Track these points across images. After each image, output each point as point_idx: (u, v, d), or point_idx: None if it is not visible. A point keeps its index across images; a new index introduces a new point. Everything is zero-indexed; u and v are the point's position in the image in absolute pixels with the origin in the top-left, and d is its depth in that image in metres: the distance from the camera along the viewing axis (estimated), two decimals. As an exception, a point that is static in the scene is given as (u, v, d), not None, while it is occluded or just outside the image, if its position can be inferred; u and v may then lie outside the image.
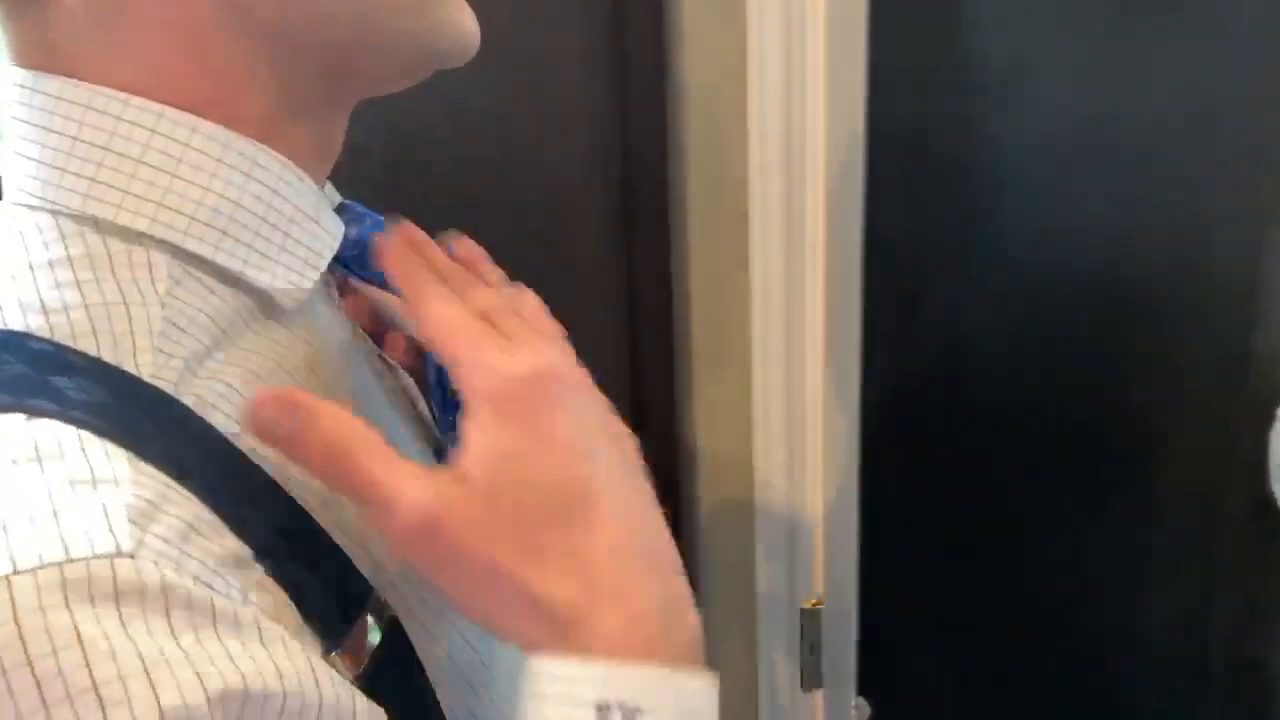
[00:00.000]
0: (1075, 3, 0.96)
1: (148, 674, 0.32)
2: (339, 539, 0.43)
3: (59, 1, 0.43)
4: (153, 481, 0.37)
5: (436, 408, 0.58)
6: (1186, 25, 0.88)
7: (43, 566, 0.32)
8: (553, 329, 0.52)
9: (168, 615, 0.34)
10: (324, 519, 0.43)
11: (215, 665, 0.34)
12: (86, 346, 0.40)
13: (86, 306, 0.41)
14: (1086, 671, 1.06)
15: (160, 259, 0.43)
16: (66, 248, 0.42)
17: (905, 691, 1.30)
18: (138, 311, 0.42)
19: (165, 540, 0.35)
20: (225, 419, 0.42)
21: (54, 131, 0.43)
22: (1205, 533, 0.94)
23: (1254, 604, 0.93)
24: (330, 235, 0.49)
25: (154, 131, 0.43)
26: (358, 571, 0.44)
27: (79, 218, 0.43)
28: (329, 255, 0.49)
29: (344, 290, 0.55)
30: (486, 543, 0.40)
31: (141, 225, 0.43)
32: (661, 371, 1.33)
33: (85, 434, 0.37)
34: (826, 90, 1.17)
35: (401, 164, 1.16)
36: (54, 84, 0.43)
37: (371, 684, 0.41)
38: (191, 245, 0.44)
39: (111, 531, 0.34)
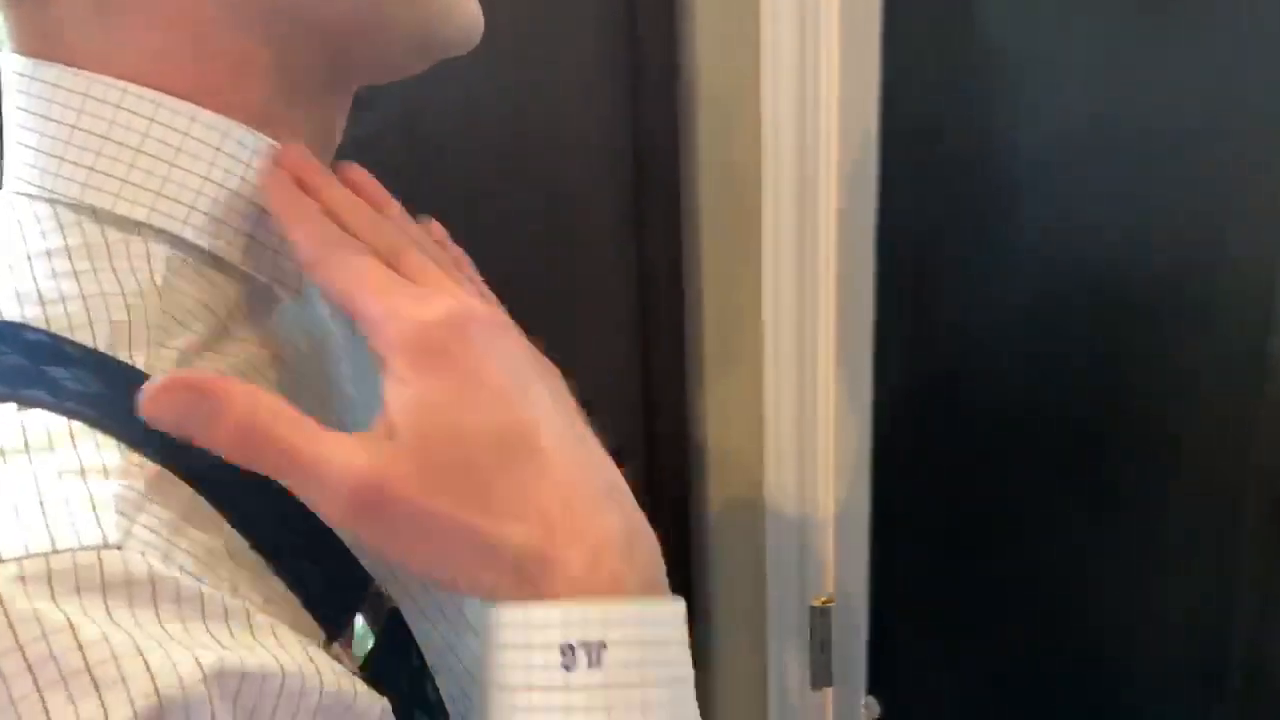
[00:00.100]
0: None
1: (142, 655, 0.32)
2: (337, 530, 0.43)
3: None
4: (144, 472, 0.37)
5: None
6: (1205, 22, 0.87)
7: (28, 556, 0.32)
8: (464, 265, 0.49)
9: (155, 606, 0.34)
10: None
11: (208, 648, 0.34)
12: (83, 338, 0.40)
13: (84, 297, 0.41)
14: (1098, 673, 1.06)
15: (158, 249, 0.43)
16: (64, 237, 0.42)
17: (915, 690, 1.30)
18: (135, 302, 0.41)
19: (154, 532, 0.35)
20: None
21: (52, 120, 0.43)
22: (1220, 535, 0.93)
23: (1270, 607, 0.93)
24: None
25: (153, 120, 0.43)
26: (357, 562, 0.43)
27: (77, 207, 0.43)
28: None
29: None
30: (429, 497, 0.38)
31: (140, 215, 0.43)
32: (672, 370, 1.32)
33: (76, 424, 0.37)
34: (840, 89, 1.17)
35: (412, 163, 1.16)
36: (52, 72, 0.43)
37: (373, 673, 0.41)
38: (190, 235, 0.44)
39: (99, 523, 0.34)
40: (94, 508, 0.34)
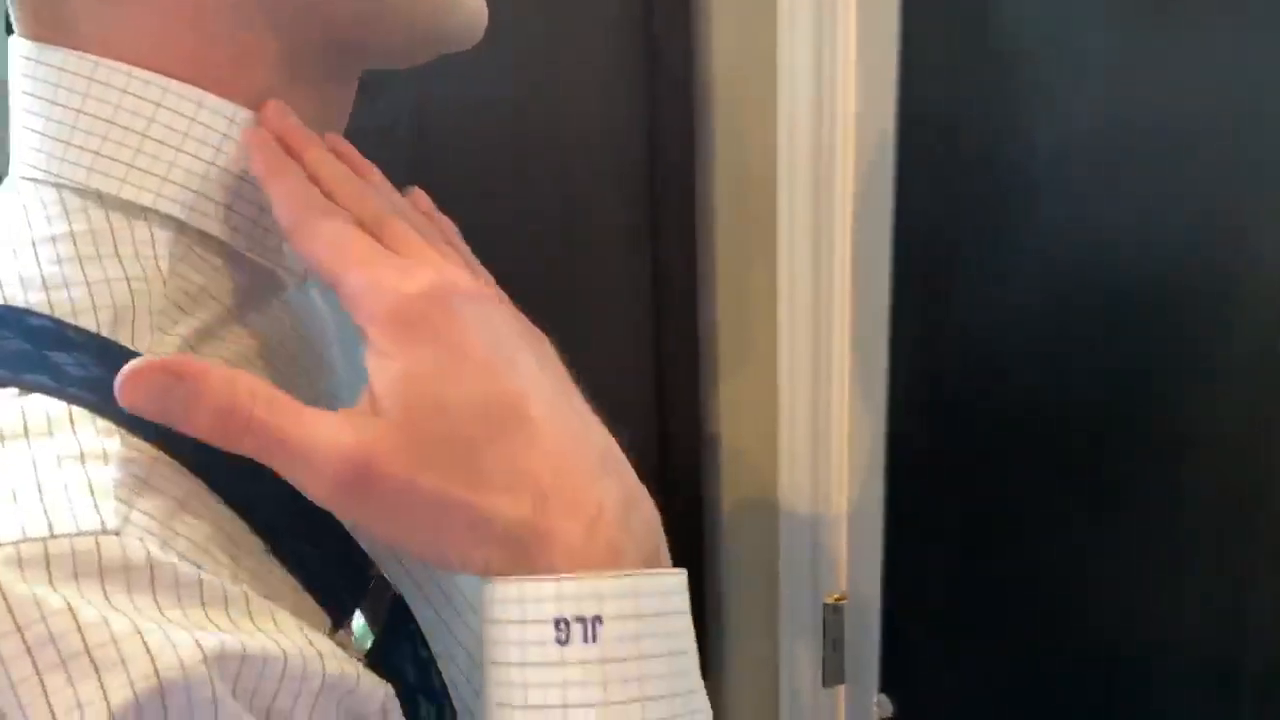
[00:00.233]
0: (1111, -7, 0.94)
1: (141, 637, 0.32)
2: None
3: None
4: (143, 457, 0.36)
5: None
6: (1223, 20, 0.86)
7: (25, 540, 0.32)
8: (452, 236, 0.49)
9: (154, 592, 0.33)
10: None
11: (208, 632, 0.34)
12: (86, 323, 0.40)
13: (87, 283, 0.41)
14: (1111, 673, 1.05)
15: (163, 235, 0.43)
16: (69, 222, 0.42)
17: (927, 689, 1.29)
18: (139, 288, 0.41)
19: (152, 518, 0.35)
20: None
21: (58, 104, 0.43)
22: (1239, 536, 0.93)
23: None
24: None
25: (159, 105, 0.43)
26: (359, 549, 0.43)
27: (83, 191, 0.43)
28: None
29: None
30: (416, 473, 0.37)
31: (146, 200, 0.43)
32: (686, 367, 1.32)
33: (77, 410, 0.36)
34: (856, 88, 1.16)
35: (424, 163, 1.15)
36: (58, 56, 0.43)
37: (377, 660, 0.41)
38: (195, 221, 0.43)
39: (97, 509, 0.34)
40: (92, 493, 0.34)
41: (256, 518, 0.39)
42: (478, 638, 0.49)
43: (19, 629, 0.31)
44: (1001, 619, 1.16)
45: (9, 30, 0.46)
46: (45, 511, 0.33)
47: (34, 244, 0.41)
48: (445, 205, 0.51)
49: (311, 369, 0.48)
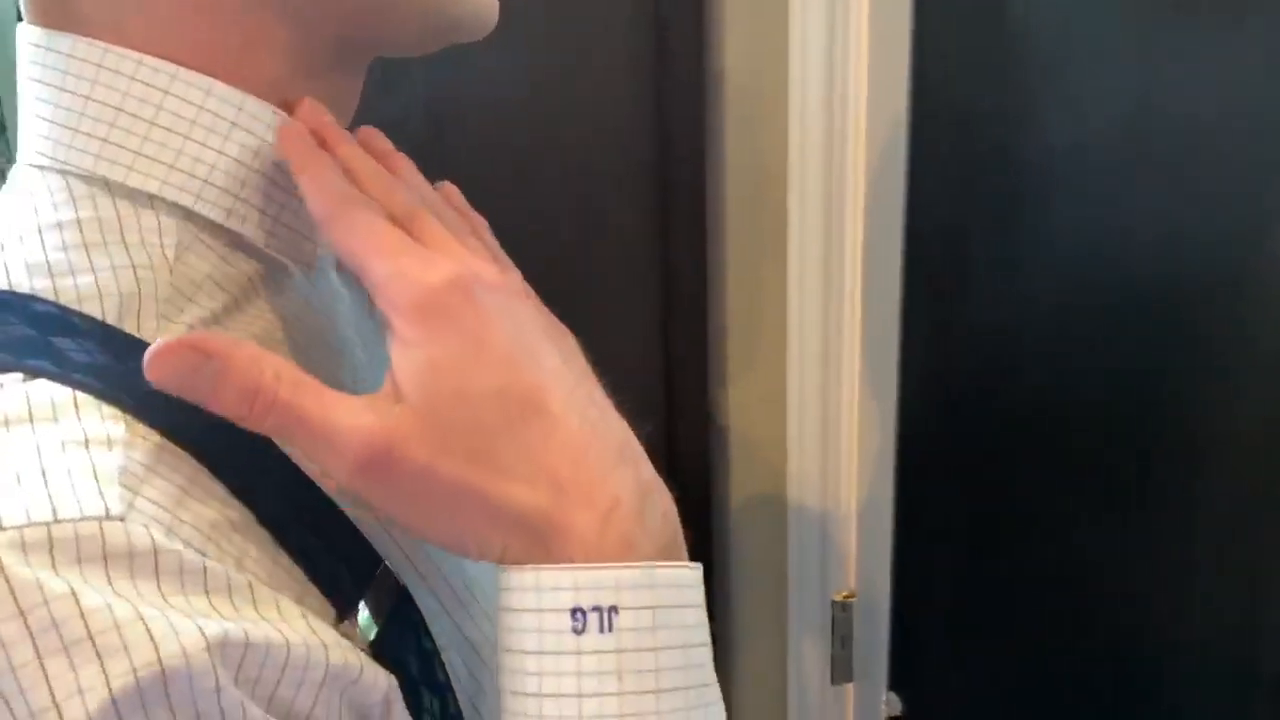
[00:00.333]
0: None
1: (144, 623, 0.32)
2: (346, 508, 0.43)
3: None
4: (148, 444, 0.36)
5: None
6: (1241, 14, 0.86)
7: (30, 525, 0.32)
8: (481, 231, 0.49)
9: (157, 578, 0.33)
10: (331, 487, 0.43)
11: (211, 619, 0.33)
12: (91, 310, 0.40)
13: (94, 270, 0.41)
14: (1122, 672, 1.04)
15: (170, 223, 0.43)
16: (76, 210, 0.42)
17: (936, 687, 1.29)
18: (145, 276, 0.41)
19: (157, 504, 0.35)
20: None
21: (67, 91, 0.43)
22: (1252, 536, 0.92)
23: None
24: None
25: (167, 92, 0.43)
26: (365, 541, 0.43)
27: (90, 179, 0.43)
28: None
29: None
30: (435, 459, 0.38)
31: (152, 188, 0.43)
32: (696, 364, 1.32)
33: (82, 395, 0.36)
34: (869, 80, 1.16)
35: (435, 160, 1.15)
36: (66, 42, 0.43)
37: (381, 652, 0.41)
38: (202, 209, 0.43)
39: (101, 494, 0.33)
40: (97, 479, 0.34)
41: (262, 507, 0.39)
42: (482, 630, 0.49)
43: (21, 613, 0.31)
44: (1010, 618, 1.16)
45: (18, 17, 0.46)
46: (49, 496, 0.33)
47: (40, 230, 0.41)
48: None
49: (320, 359, 0.48)
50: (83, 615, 0.31)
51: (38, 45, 0.44)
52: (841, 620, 1.32)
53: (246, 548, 0.37)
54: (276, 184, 0.45)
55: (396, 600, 0.44)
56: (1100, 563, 1.04)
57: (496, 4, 0.50)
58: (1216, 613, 0.95)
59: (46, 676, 0.31)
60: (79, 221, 0.42)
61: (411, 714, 0.41)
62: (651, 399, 1.31)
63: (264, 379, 0.37)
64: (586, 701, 0.37)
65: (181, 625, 0.32)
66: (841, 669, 1.34)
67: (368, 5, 0.46)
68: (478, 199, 0.53)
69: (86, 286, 0.40)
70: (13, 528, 0.32)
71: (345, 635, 0.39)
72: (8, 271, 0.40)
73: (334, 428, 0.37)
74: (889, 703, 1.31)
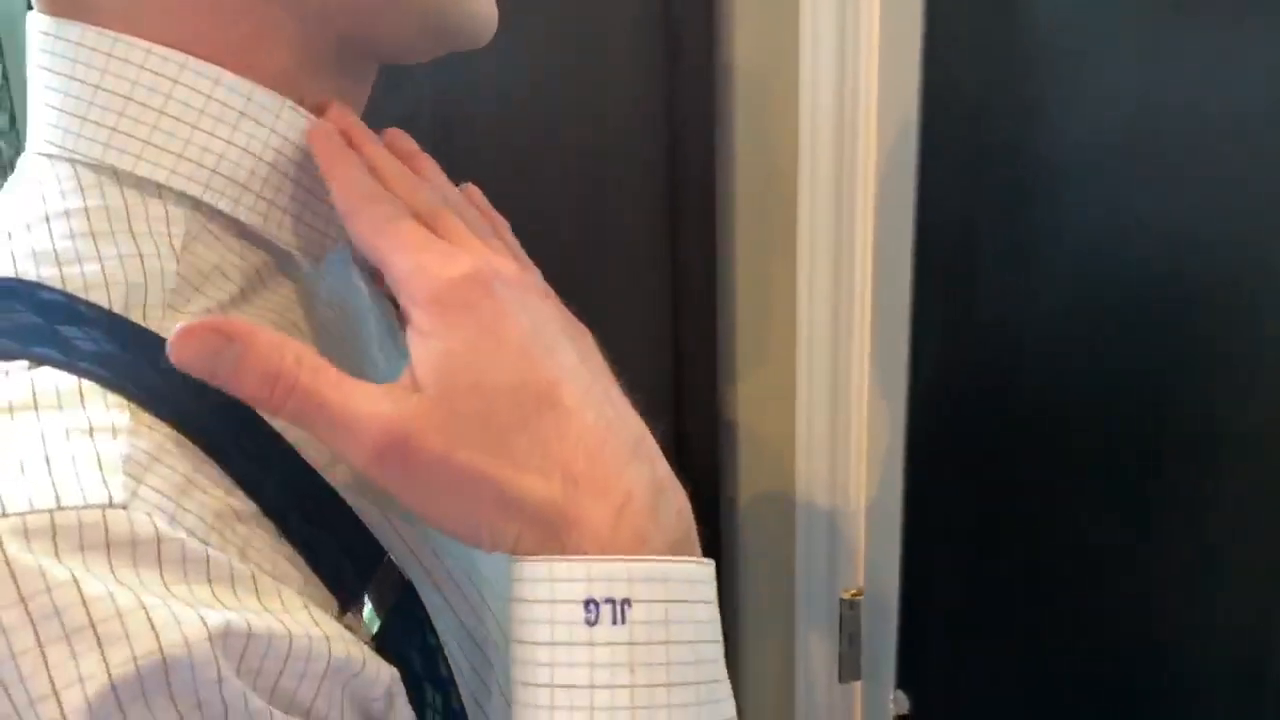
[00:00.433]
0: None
1: (146, 612, 0.32)
2: (352, 500, 0.43)
3: None
4: (153, 433, 0.36)
5: None
6: (1255, 10, 0.85)
7: (32, 511, 0.32)
8: (503, 231, 0.50)
9: (160, 567, 0.33)
10: (336, 480, 0.43)
11: (213, 609, 0.33)
12: (98, 298, 0.40)
13: (100, 259, 0.41)
14: (1130, 673, 1.04)
15: (178, 213, 0.43)
16: (84, 198, 0.42)
17: (944, 685, 1.28)
18: (152, 265, 0.41)
19: (160, 493, 0.35)
20: None
21: (76, 80, 0.43)
22: (1265, 536, 0.92)
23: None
24: None
25: (176, 82, 0.43)
26: (370, 533, 0.43)
27: (98, 168, 0.43)
28: None
29: None
30: (453, 449, 0.38)
31: (161, 177, 0.43)
32: (705, 360, 1.32)
33: (87, 383, 0.36)
34: (879, 76, 1.15)
35: (443, 156, 1.15)
36: (76, 31, 0.43)
37: (385, 645, 0.41)
38: (210, 199, 0.43)
39: (105, 482, 0.33)
40: (101, 467, 0.34)
41: (266, 498, 0.39)
42: (486, 626, 0.49)
43: (23, 600, 0.31)
44: (1019, 617, 1.15)
45: (28, 6, 0.46)
46: (53, 483, 0.33)
47: (48, 219, 0.41)
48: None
49: (327, 350, 0.48)
50: (84, 603, 0.31)
51: (47, 34, 0.44)
52: (849, 618, 1.32)
53: (250, 538, 0.37)
54: (285, 174, 0.45)
55: (400, 594, 0.43)
56: (1110, 562, 1.03)
57: (495, 14, 0.50)
58: (1227, 613, 0.95)
59: (47, 664, 0.31)
60: (87, 210, 0.42)
61: (414, 709, 0.41)
62: (661, 395, 1.30)
63: (285, 364, 0.38)
64: (598, 693, 0.37)
65: (184, 614, 0.32)
66: (849, 667, 1.34)
67: (368, 4, 0.46)
68: (487, 196, 0.53)
69: (93, 275, 0.40)
70: (15, 514, 0.32)
71: (348, 628, 0.39)
72: (15, 259, 0.40)
73: (352, 414, 0.38)
74: (896, 701, 1.31)
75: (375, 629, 0.41)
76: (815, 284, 1.24)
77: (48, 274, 0.40)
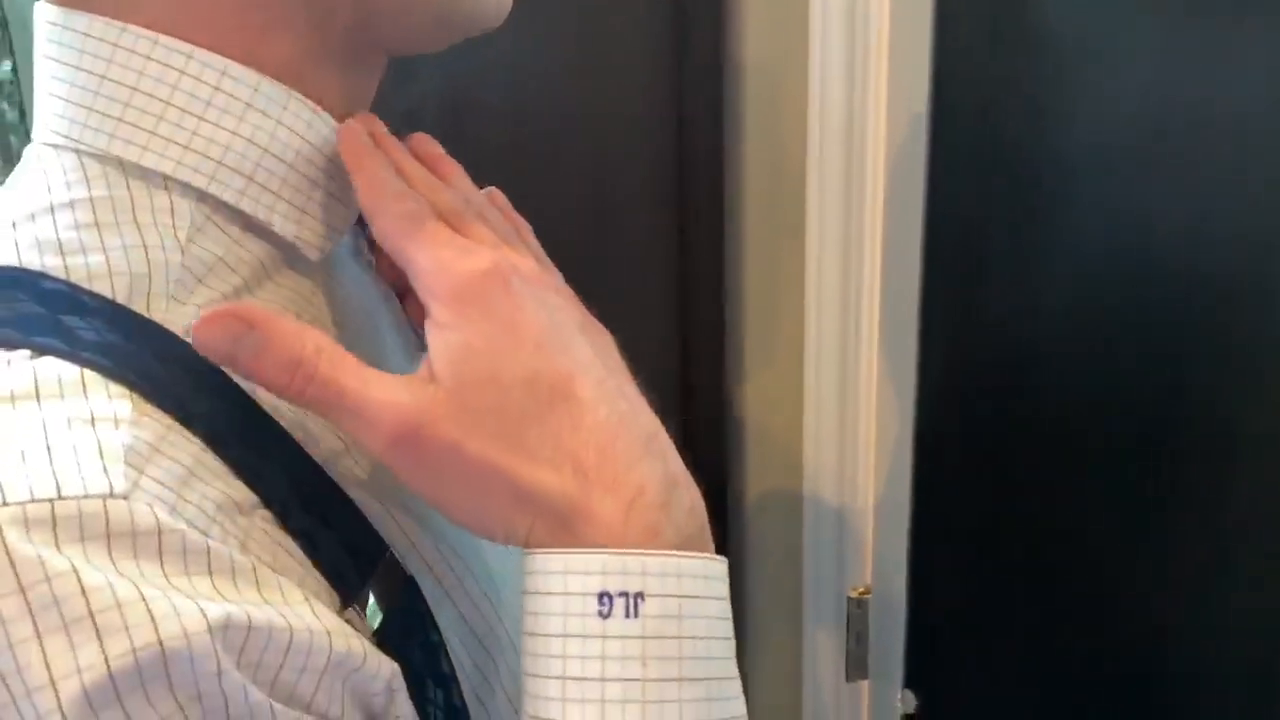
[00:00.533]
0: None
1: (146, 603, 0.32)
2: (354, 494, 0.43)
3: None
4: (155, 424, 0.36)
5: None
6: (1270, 9, 0.85)
7: (33, 501, 0.32)
8: (525, 233, 0.50)
9: (161, 558, 0.33)
10: (338, 474, 0.42)
11: (214, 601, 0.33)
12: (101, 288, 0.40)
13: (105, 249, 0.40)
14: (1139, 672, 1.03)
15: (183, 204, 0.43)
16: (89, 189, 0.42)
17: (952, 685, 1.28)
18: (156, 256, 0.41)
19: (162, 483, 0.35)
20: None
21: (82, 70, 0.43)
22: (1273, 536, 0.91)
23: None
24: None
25: (183, 72, 0.43)
26: (372, 527, 0.43)
27: (103, 158, 0.42)
28: (358, 208, 0.48)
29: (375, 246, 0.54)
30: (466, 439, 0.39)
31: (166, 168, 0.42)
32: (713, 357, 1.31)
33: (89, 373, 0.36)
34: (889, 73, 1.15)
35: (450, 148, 1.14)
36: (83, 21, 0.43)
37: (387, 640, 0.41)
38: (216, 190, 0.43)
39: (106, 472, 0.33)
40: (102, 456, 0.34)
41: (267, 490, 0.39)
42: (488, 621, 0.49)
43: (22, 589, 0.31)
44: (1027, 616, 1.15)
45: None
46: (54, 473, 0.33)
47: (53, 209, 0.41)
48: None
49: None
50: (84, 593, 0.31)
51: (54, 24, 0.44)
52: (857, 616, 1.31)
53: (251, 530, 0.37)
54: (291, 166, 0.45)
55: (402, 589, 0.43)
56: (1119, 561, 1.03)
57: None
58: (1236, 612, 0.94)
59: (45, 655, 0.31)
60: (91, 200, 0.41)
61: (415, 704, 0.41)
62: (668, 392, 1.30)
63: (305, 352, 0.38)
64: (609, 685, 0.38)
65: (184, 606, 0.32)
66: (856, 665, 1.34)
67: None
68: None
69: (97, 265, 0.40)
70: (16, 503, 0.32)
71: (349, 622, 0.39)
72: (19, 249, 0.40)
73: (370, 403, 0.39)
74: (904, 700, 1.30)
75: (376, 624, 0.41)
76: (824, 281, 1.23)
77: (51, 264, 0.40)
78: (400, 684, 0.39)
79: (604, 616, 0.38)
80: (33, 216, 0.41)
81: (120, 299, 0.40)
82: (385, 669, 0.39)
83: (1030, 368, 1.10)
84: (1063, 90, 1.01)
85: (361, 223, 0.50)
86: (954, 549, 1.23)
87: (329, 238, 0.47)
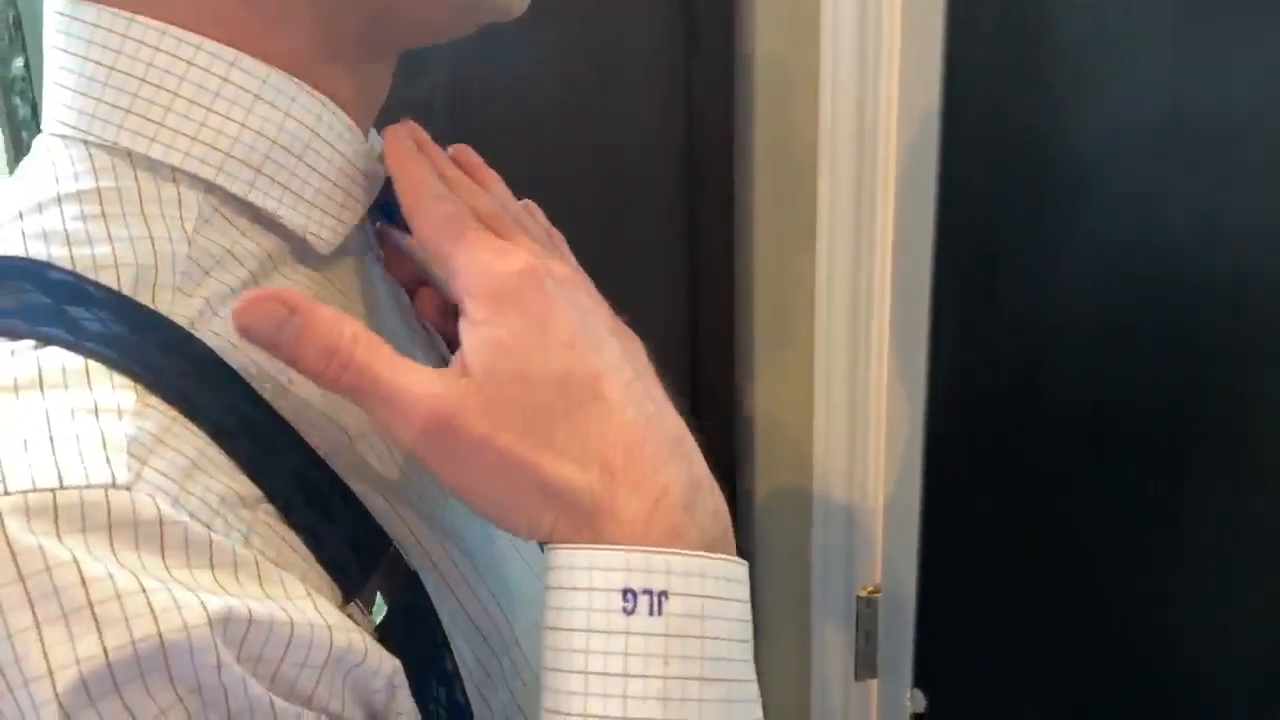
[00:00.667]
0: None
1: (146, 595, 0.32)
2: (359, 490, 0.43)
3: None
4: (159, 415, 0.36)
5: None
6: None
7: (35, 490, 0.32)
8: (559, 244, 0.52)
9: (162, 550, 0.33)
10: (343, 469, 0.42)
11: (215, 594, 0.33)
12: (107, 280, 0.40)
13: (111, 240, 0.40)
14: (1148, 672, 1.03)
15: (191, 196, 0.43)
16: (96, 180, 0.42)
17: (961, 684, 1.28)
18: (163, 248, 0.41)
19: (165, 475, 0.35)
20: (245, 360, 0.41)
21: (91, 60, 0.43)
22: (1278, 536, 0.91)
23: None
24: (370, 181, 0.48)
25: (191, 64, 0.43)
26: (376, 523, 0.43)
27: (111, 149, 0.42)
28: (367, 201, 0.48)
29: (384, 241, 0.54)
30: (495, 433, 0.40)
31: (174, 160, 0.42)
32: (723, 355, 1.31)
33: (93, 364, 0.36)
34: (900, 68, 1.14)
35: (461, 138, 1.14)
36: (92, 11, 0.43)
37: (389, 635, 0.41)
38: (224, 182, 0.43)
39: (109, 463, 0.33)
40: (105, 447, 0.34)
41: (272, 486, 0.38)
42: (492, 619, 0.49)
43: (22, 578, 0.31)
44: (1037, 616, 1.14)
45: None
46: (56, 463, 0.33)
47: (60, 199, 0.41)
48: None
49: None
50: (84, 583, 0.31)
51: (63, 14, 0.44)
52: (866, 615, 1.31)
53: (253, 523, 0.37)
54: (300, 158, 0.45)
55: (406, 585, 0.43)
56: (1129, 561, 1.02)
57: None
58: (1247, 614, 0.94)
59: (43, 644, 0.31)
60: (99, 191, 0.41)
61: (417, 701, 0.41)
62: (678, 390, 1.30)
63: (343, 340, 0.39)
64: (632, 682, 0.38)
65: (184, 599, 0.32)
66: (865, 665, 1.33)
67: None
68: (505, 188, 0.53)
69: (103, 256, 0.40)
70: (17, 492, 0.32)
71: (351, 617, 0.39)
72: (25, 239, 0.40)
73: (404, 392, 0.39)
74: (913, 699, 1.30)
75: (380, 620, 0.41)
76: (834, 279, 1.23)
77: (57, 254, 0.40)
78: (402, 680, 0.39)
79: (628, 613, 0.38)
80: (40, 207, 0.41)
81: (126, 290, 0.40)
82: (386, 665, 0.39)
83: (1040, 367, 1.09)
84: (1075, 87, 1.01)
85: (369, 218, 0.50)
86: (963, 549, 1.23)
87: (339, 230, 0.47)
